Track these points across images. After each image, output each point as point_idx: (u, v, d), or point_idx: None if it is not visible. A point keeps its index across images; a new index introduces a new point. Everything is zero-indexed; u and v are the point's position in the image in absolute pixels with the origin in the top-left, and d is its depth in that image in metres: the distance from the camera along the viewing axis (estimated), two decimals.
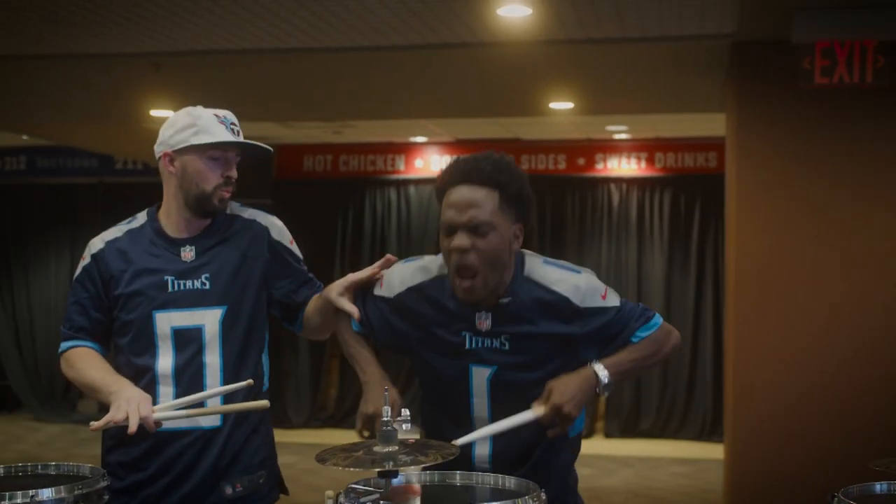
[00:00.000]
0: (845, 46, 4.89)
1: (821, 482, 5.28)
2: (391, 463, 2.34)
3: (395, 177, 11.16)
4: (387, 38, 6.00)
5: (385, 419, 2.40)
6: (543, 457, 2.78)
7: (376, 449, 2.39)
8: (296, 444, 10.20)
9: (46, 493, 2.57)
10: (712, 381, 10.25)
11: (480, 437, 2.65)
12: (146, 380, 2.91)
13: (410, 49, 6.37)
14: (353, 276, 2.90)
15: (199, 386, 2.91)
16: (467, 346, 2.71)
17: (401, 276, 2.82)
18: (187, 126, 2.92)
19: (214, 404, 2.90)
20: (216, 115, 2.95)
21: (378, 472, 2.38)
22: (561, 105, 7.41)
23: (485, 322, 2.69)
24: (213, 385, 2.92)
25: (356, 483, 2.54)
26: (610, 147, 10.68)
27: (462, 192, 2.60)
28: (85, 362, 2.98)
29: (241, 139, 2.98)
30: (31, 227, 11.76)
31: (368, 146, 11.09)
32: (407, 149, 11.11)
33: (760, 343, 5.49)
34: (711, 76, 6.37)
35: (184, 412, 2.81)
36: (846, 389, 5.39)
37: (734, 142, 5.63)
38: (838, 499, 2.45)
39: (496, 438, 2.72)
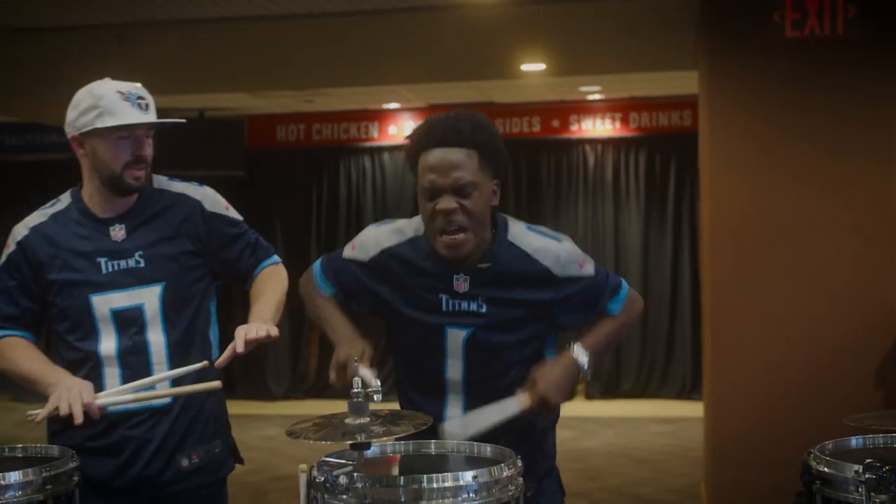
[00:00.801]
0: None
1: (799, 439, 5.28)
2: (363, 435, 2.32)
3: (369, 144, 11.08)
4: (355, 4, 5.93)
5: (356, 390, 2.37)
6: (518, 424, 2.76)
7: (348, 421, 2.36)
8: (277, 415, 10.19)
9: (14, 477, 2.54)
10: (691, 340, 10.27)
11: (469, 431, 2.62)
12: (90, 364, 2.86)
13: (380, 13, 6.31)
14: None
15: (146, 366, 2.87)
16: (444, 307, 2.70)
17: (375, 238, 2.80)
18: (90, 108, 2.82)
19: (163, 386, 2.85)
20: (120, 93, 2.82)
21: (350, 444, 2.35)
22: (533, 66, 7.34)
23: (463, 284, 2.68)
24: (160, 364, 2.87)
25: (330, 455, 2.51)
26: (584, 108, 10.62)
27: (442, 154, 2.59)
28: (17, 353, 2.91)
29: (147, 116, 2.86)
30: (0, 205, 11.65)
31: (341, 114, 11.00)
32: (380, 116, 11.03)
33: (737, 301, 5.48)
34: (683, 33, 6.33)
35: (130, 396, 2.77)
36: (823, 346, 5.39)
37: (706, 99, 5.59)
38: (814, 455, 2.43)
39: (469, 401, 2.70)
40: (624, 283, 2.83)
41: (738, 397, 5.51)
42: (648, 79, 8.82)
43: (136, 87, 2.89)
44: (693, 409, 9.56)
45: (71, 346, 2.90)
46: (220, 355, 2.99)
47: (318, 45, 7.34)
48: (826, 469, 2.35)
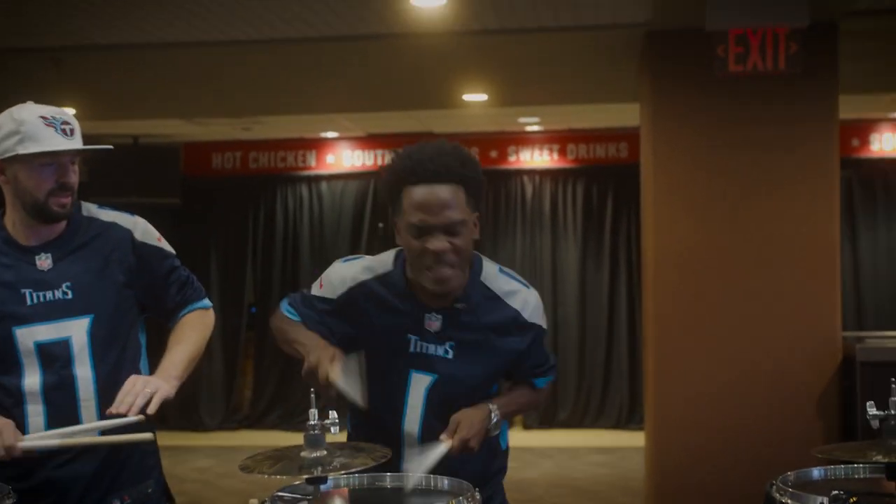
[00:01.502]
0: (758, 34, 4.93)
1: (741, 469, 5.33)
2: (320, 469, 2.25)
3: (306, 173, 11.00)
4: (297, 30, 5.88)
5: (312, 423, 2.30)
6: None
7: (304, 454, 2.29)
8: (210, 446, 10.01)
9: None
10: (628, 369, 10.32)
11: (413, 477, 2.55)
12: (12, 401, 2.71)
13: (321, 41, 6.25)
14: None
15: (72, 402, 2.73)
16: (411, 349, 2.64)
17: (343, 274, 2.72)
18: (11, 133, 2.69)
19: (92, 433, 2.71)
20: (43, 118, 2.70)
21: (306, 478, 2.28)
22: (475, 97, 7.35)
23: (435, 324, 2.64)
24: (87, 400, 2.73)
25: (283, 489, 2.44)
26: (522, 139, 10.66)
27: (431, 192, 2.51)
28: None
29: (72, 142, 2.73)
30: None
31: (278, 142, 10.91)
32: (318, 144, 10.96)
33: (679, 332, 5.50)
34: (625, 66, 6.37)
35: (56, 442, 2.63)
36: (765, 377, 5.44)
37: (650, 131, 5.63)
38: (776, 486, 2.42)
39: (425, 425, 2.67)
40: (555, 367, 2.89)
41: (680, 428, 5.53)
42: (587, 111, 8.89)
43: (61, 112, 2.77)
44: (631, 439, 9.58)
45: None
46: None
47: (256, 72, 7.26)
48: (790, 501, 2.34)
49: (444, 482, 2.58)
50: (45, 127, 2.69)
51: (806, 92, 5.31)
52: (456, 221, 2.51)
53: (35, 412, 2.72)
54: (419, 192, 2.52)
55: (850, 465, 2.51)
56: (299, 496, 2.28)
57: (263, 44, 6.49)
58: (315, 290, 2.77)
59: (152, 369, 2.92)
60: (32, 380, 2.72)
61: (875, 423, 2.36)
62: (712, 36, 4.95)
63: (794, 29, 4.91)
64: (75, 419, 2.73)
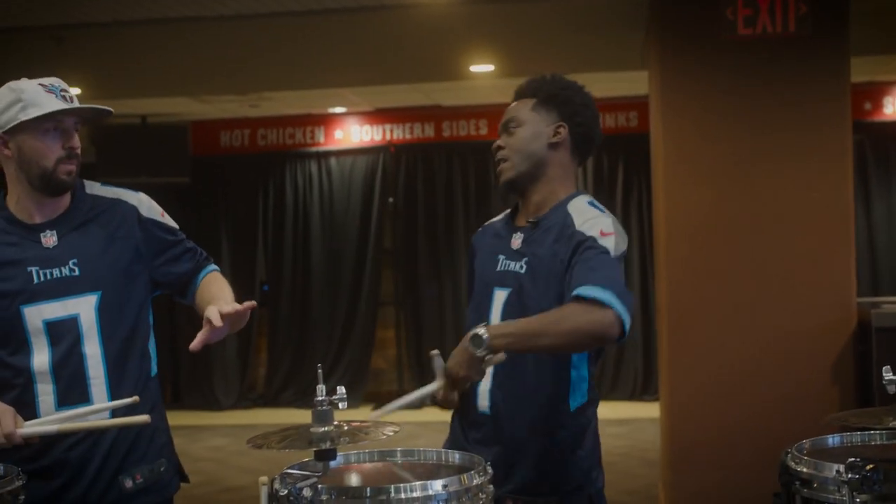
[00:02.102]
0: None
1: (757, 438, 5.29)
2: (328, 443, 2.22)
3: (315, 149, 10.95)
4: (300, 3, 5.83)
5: (320, 398, 2.27)
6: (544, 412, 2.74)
7: (312, 430, 2.26)
8: (225, 426, 10.03)
9: None
10: (642, 341, 10.28)
11: (392, 409, 2.63)
12: (22, 380, 2.70)
13: (324, 14, 6.21)
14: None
15: (82, 380, 2.71)
16: (498, 267, 2.81)
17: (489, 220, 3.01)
18: (13, 103, 2.69)
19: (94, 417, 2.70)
20: (42, 85, 2.70)
21: (315, 452, 2.26)
22: (482, 68, 7.28)
23: (517, 241, 2.80)
24: (97, 378, 2.72)
25: (292, 467, 2.41)
26: None
27: (510, 105, 2.89)
28: None
29: (74, 105, 2.72)
30: None
31: (287, 119, 10.86)
32: (326, 120, 10.91)
33: (693, 301, 5.45)
34: (633, 32, 6.31)
35: (55, 428, 2.60)
36: (780, 345, 5.38)
37: (658, 98, 5.56)
38: (792, 454, 2.38)
39: (495, 381, 2.74)
40: (620, 301, 2.50)
41: (695, 398, 5.48)
42: (595, 79, 8.76)
43: (59, 81, 2.76)
44: (645, 410, 9.55)
45: (2, 361, 2.73)
46: (157, 370, 2.91)
47: (260, 47, 7.22)
48: (805, 469, 2.30)
49: (456, 456, 2.56)
50: (45, 93, 2.69)
51: (817, 54, 5.22)
52: (509, 119, 2.84)
53: (45, 391, 2.71)
54: None
55: (866, 432, 2.47)
56: (308, 472, 2.24)
57: (267, 18, 6.45)
58: None
59: (160, 349, 2.92)
60: (41, 359, 2.71)
61: (892, 388, 2.31)
62: None
63: None
64: (85, 397, 2.72)
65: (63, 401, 2.71)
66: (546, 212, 2.78)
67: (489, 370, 2.68)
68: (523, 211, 2.85)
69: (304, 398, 10.83)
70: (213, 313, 2.64)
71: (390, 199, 10.73)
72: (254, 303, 2.72)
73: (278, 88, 8.82)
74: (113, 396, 2.73)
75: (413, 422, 8.30)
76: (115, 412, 2.70)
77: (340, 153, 10.91)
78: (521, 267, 2.75)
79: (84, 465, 2.74)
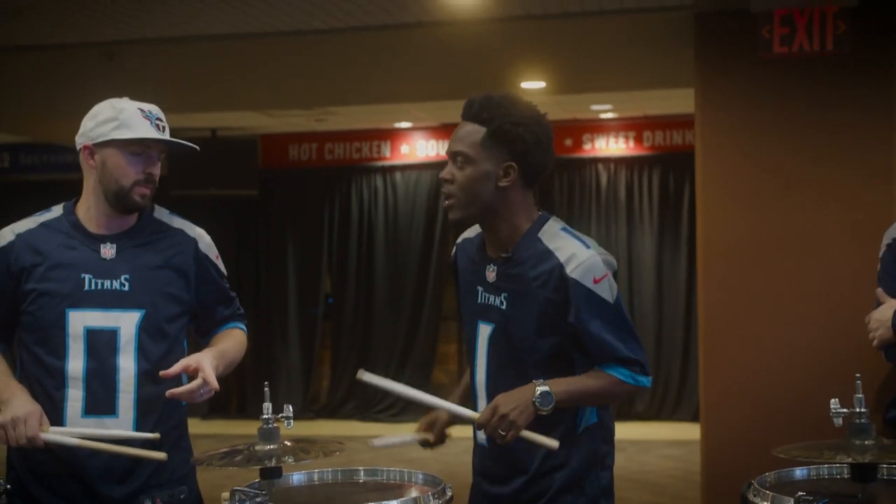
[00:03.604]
0: (804, 13, 4.74)
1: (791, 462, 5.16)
2: (273, 461, 2.23)
3: (381, 163, 11.03)
4: (357, 19, 5.89)
5: (266, 416, 2.28)
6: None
7: (258, 447, 2.28)
8: (289, 436, 10.11)
9: None
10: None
11: (400, 390, 2.67)
12: (54, 381, 2.79)
13: (384, 30, 6.26)
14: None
15: (112, 391, 2.78)
16: (478, 300, 2.75)
17: (461, 236, 2.95)
18: (109, 119, 2.81)
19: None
20: (140, 110, 2.83)
21: (260, 470, 2.27)
22: (532, 84, 7.26)
23: (491, 273, 2.73)
24: (126, 392, 2.79)
25: (251, 485, 2.43)
26: (597, 127, 10.51)
27: (458, 128, 2.72)
28: None
29: (164, 135, 2.85)
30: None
31: (353, 133, 10.97)
32: (392, 135, 10.98)
33: (729, 320, 5.35)
34: (682, 50, 6.21)
35: (76, 441, 2.68)
36: (818, 367, 5.24)
37: (700, 116, 5.48)
38: (753, 487, 2.32)
39: (489, 377, 2.72)
40: (644, 379, 2.67)
41: (732, 418, 5.38)
42: (662, 97, 8.70)
43: (156, 109, 2.90)
44: None
45: (38, 359, 2.82)
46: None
47: (323, 63, 7.29)
48: (761, 502, 2.24)
49: (419, 476, 2.56)
50: (141, 118, 2.82)
51: (856, 73, 5.09)
52: (458, 151, 2.67)
53: (75, 397, 2.78)
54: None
55: (835, 465, 2.39)
56: (256, 491, 2.26)
57: (326, 34, 6.51)
58: None
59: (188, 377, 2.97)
60: (76, 364, 2.79)
61: (838, 422, 2.24)
62: (758, 17, 4.77)
63: (843, 8, 4.70)
64: (112, 409, 2.79)
65: (90, 409, 2.78)
66: (516, 244, 2.69)
67: (484, 404, 2.68)
68: (490, 241, 2.75)
69: (365, 411, 10.90)
70: (210, 378, 2.73)
71: None
72: (213, 388, 2.75)
73: (342, 103, 8.90)
74: (139, 414, 2.79)
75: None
76: (138, 440, 2.75)
77: (405, 168, 10.97)
78: (501, 303, 2.69)
79: (103, 476, 2.78)
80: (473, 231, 2.87)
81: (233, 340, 3.00)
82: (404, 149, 10.99)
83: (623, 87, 7.37)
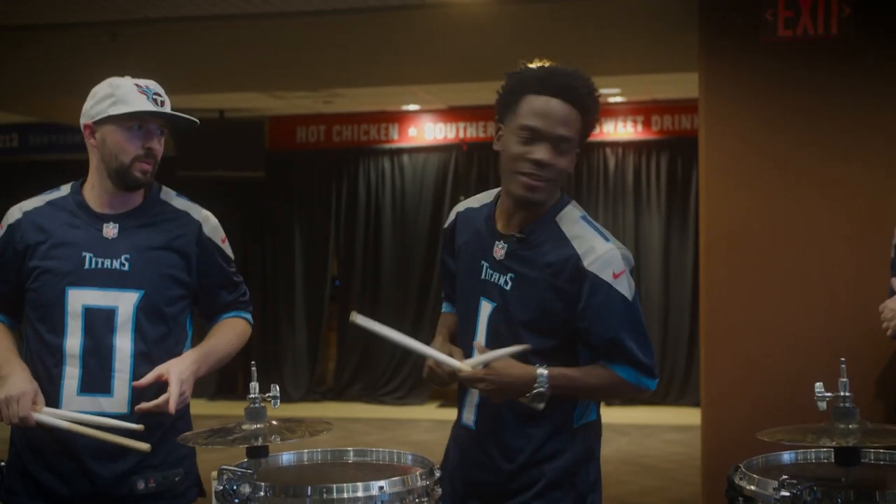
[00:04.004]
0: None
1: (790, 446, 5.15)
2: (259, 440, 2.24)
3: (388, 146, 11.03)
4: (364, 2, 5.88)
5: (252, 396, 2.29)
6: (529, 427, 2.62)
7: (244, 427, 2.29)
8: (296, 417, 10.13)
9: None
10: None
11: (386, 332, 2.55)
12: (53, 359, 2.82)
13: (392, 10, 6.26)
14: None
15: (107, 371, 2.80)
16: (482, 275, 2.66)
17: (461, 204, 2.85)
18: (106, 96, 2.82)
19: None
20: (137, 85, 2.84)
21: (247, 449, 2.28)
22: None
23: (500, 251, 2.64)
24: (122, 371, 2.81)
25: (240, 464, 2.43)
26: (605, 111, 10.45)
27: (553, 104, 2.55)
28: None
29: (163, 109, 2.85)
30: None
31: (361, 115, 10.96)
32: (400, 117, 10.97)
33: (730, 307, 5.34)
34: (686, 33, 6.18)
35: (65, 424, 2.71)
36: (820, 355, 5.22)
37: (703, 101, 5.45)
38: (740, 470, 2.32)
39: (484, 396, 2.59)
40: (652, 382, 2.63)
41: (732, 405, 5.37)
42: (671, 81, 8.66)
43: (154, 84, 2.90)
44: None
45: (39, 336, 2.85)
46: None
47: (330, 44, 7.29)
48: (747, 485, 2.24)
49: (408, 458, 2.56)
50: (137, 93, 2.82)
51: (861, 57, 5.03)
52: (565, 137, 2.53)
53: (71, 374, 2.81)
54: (541, 101, 2.56)
55: (821, 450, 2.39)
56: (244, 469, 2.27)
57: (333, 14, 6.52)
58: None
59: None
60: (74, 342, 2.81)
61: (822, 405, 2.24)
62: (761, 0, 4.74)
63: None
64: (107, 388, 2.81)
65: (85, 387, 2.81)
66: (532, 223, 2.61)
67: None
68: (506, 216, 2.65)
69: (372, 393, 10.93)
70: (172, 396, 2.74)
71: (462, 198, 10.74)
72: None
73: (350, 85, 8.88)
74: (134, 394, 2.80)
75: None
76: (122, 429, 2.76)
77: (413, 150, 10.97)
78: (507, 283, 2.60)
79: (96, 455, 2.80)
80: (478, 201, 2.78)
81: (229, 333, 3.00)
82: (412, 131, 10.98)
83: (628, 71, 7.34)
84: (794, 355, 5.23)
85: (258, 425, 2.27)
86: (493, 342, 2.61)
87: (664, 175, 10.41)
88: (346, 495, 2.29)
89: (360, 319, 2.49)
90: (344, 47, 7.34)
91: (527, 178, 2.54)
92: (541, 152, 2.53)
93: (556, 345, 2.59)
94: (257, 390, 2.29)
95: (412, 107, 10.70)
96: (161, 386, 2.79)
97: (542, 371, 2.50)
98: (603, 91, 8.76)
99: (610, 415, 9.81)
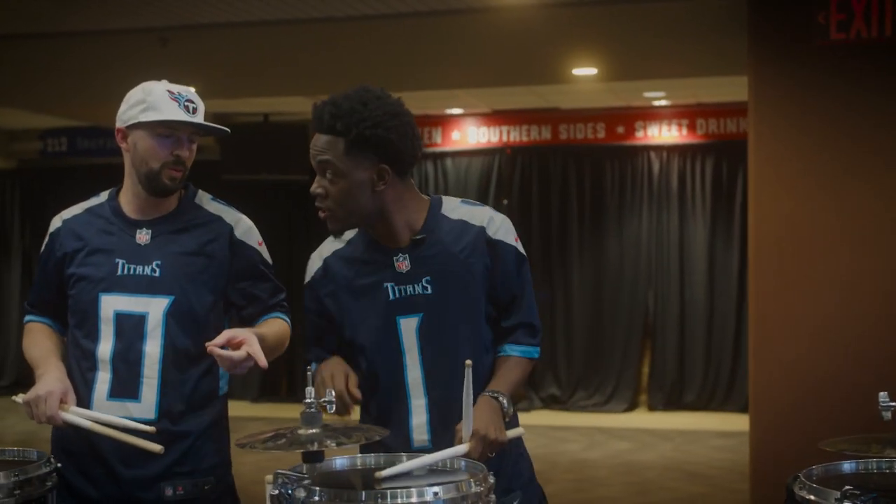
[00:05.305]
0: None
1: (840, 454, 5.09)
2: (315, 445, 2.24)
3: (432, 150, 11.02)
4: (408, 5, 5.89)
5: (308, 400, 2.29)
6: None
7: (300, 431, 2.29)
8: (328, 418, 10.16)
9: None
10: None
11: (407, 469, 2.41)
12: (88, 363, 2.84)
13: (435, 15, 6.27)
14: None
15: (136, 376, 2.81)
16: (391, 296, 2.63)
17: (317, 253, 2.77)
18: (138, 102, 2.82)
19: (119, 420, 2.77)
20: (169, 92, 2.82)
21: (303, 454, 2.28)
22: (584, 71, 7.21)
23: (403, 263, 2.63)
24: (151, 378, 2.81)
25: (294, 468, 2.44)
26: (649, 114, 10.42)
27: (315, 138, 2.59)
28: (29, 338, 2.97)
29: (194, 118, 2.83)
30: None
31: None
32: (444, 121, 10.97)
33: (780, 312, 5.29)
34: (735, 37, 6.13)
35: (87, 423, 2.72)
36: (870, 361, 5.16)
37: (753, 104, 5.40)
38: (799, 480, 2.28)
39: (431, 404, 2.62)
40: (535, 341, 2.75)
41: (781, 413, 5.32)
42: (715, 84, 8.61)
43: (188, 91, 2.88)
44: None
45: (76, 341, 2.88)
46: (226, 389, 2.97)
47: (373, 48, 7.32)
48: (807, 495, 2.20)
49: (461, 464, 2.55)
50: (169, 100, 2.80)
51: None
52: (323, 162, 2.55)
53: (102, 379, 2.82)
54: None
55: (884, 459, 2.35)
56: (300, 474, 2.26)
57: (376, 19, 6.55)
58: (306, 280, 2.78)
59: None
60: (105, 347, 2.83)
61: (887, 415, 2.20)
62: (813, 3, 4.69)
63: None
64: (135, 394, 2.82)
65: (115, 392, 2.82)
66: (421, 227, 2.63)
67: (421, 402, 2.64)
68: (383, 236, 2.65)
69: None
70: (258, 355, 2.69)
71: (504, 202, 10.72)
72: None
73: (393, 89, 8.87)
74: (162, 401, 2.81)
75: None
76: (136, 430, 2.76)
77: (457, 154, 10.96)
78: (425, 288, 2.62)
79: (123, 459, 2.80)
80: (335, 244, 2.73)
81: (274, 328, 2.95)
82: (455, 135, 10.97)
83: (676, 75, 7.30)
84: (847, 363, 5.18)
85: (314, 430, 2.27)
86: (427, 354, 2.63)
87: (709, 179, 10.33)
88: (400, 500, 2.27)
89: (386, 473, 2.36)
90: (388, 51, 7.36)
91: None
92: (314, 186, 2.59)
93: (489, 323, 2.68)
94: (313, 395, 2.29)
95: (456, 110, 10.69)
96: (192, 394, 2.82)
97: (502, 399, 2.60)
98: (647, 94, 8.79)
99: (653, 420, 9.93)
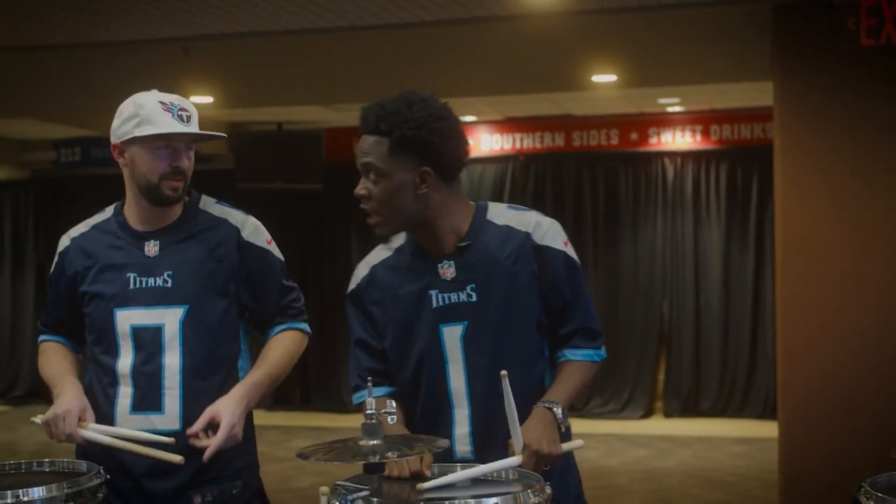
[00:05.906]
0: (893, 4, 4.64)
1: (872, 460, 5.06)
2: (376, 456, 2.23)
3: None
4: (429, 13, 5.90)
5: (369, 412, 2.28)
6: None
7: (361, 443, 2.27)
8: (350, 427, 10.17)
9: (36, 493, 2.50)
10: (773, 358, 9.95)
11: (455, 480, 2.38)
12: (108, 379, 2.83)
13: (450, 24, 6.26)
14: None
15: (157, 388, 2.80)
16: (434, 304, 2.61)
17: (364, 261, 2.77)
18: (131, 116, 2.79)
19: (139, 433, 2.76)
20: (161, 103, 2.79)
21: (364, 465, 2.27)
22: (604, 78, 7.20)
23: (448, 270, 2.62)
24: (172, 389, 2.80)
25: (350, 479, 2.42)
26: (663, 121, 10.41)
27: (361, 140, 2.62)
28: (45, 358, 2.96)
29: (188, 127, 2.81)
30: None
31: None
32: None
33: (807, 318, 5.27)
34: (759, 43, 6.13)
35: (107, 440, 2.71)
36: None
37: (779, 110, 5.39)
38: (864, 489, 2.27)
39: (475, 415, 2.60)
40: (599, 344, 2.71)
41: (809, 415, 5.31)
42: (730, 90, 8.60)
43: (180, 100, 2.85)
44: (774, 430, 9.25)
45: (95, 358, 2.88)
46: None
47: (388, 57, 7.31)
48: None
49: (515, 475, 2.53)
50: (162, 112, 2.78)
51: None
52: (367, 164, 2.57)
53: (124, 394, 2.82)
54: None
55: None
56: (359, 485, 2.25)
57: (394, 28, 6.54)
58: (350, 286, 2.78)
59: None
60: (125, 362, 2.82)
61: None
62: (842, 8, 4.68)
63: None
64: (158, 406, 2.81)
65: (137, 406, 2.81)
66: (466, 233, 2.62)
67: (465, 413, 2.62)
68: (429, 242, 2.64)
69: None
70: (219, 436, 2.71)
71: None
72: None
73: None
74: (185, 410, 2.79)
75: None
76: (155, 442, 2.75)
77: (470, 161, 10.90)
78: (469, 296, 2.60)
79: (148, 472, 2.80)
80: (383, 252, 2.74)
81: (280, 354, 2.92)
82: (469, 142, 10.94)
83: (696, 81, 7.29)
84: (878, 370, 5.16)
85: (375, 441, 2.26)
86: (472, 362, 2.61)
87: (723, 185, 10.32)
88: None
89: (429, 485, 2.31)
90: (402, 60, 7.35)
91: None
92: (358, 188, 2.61)
93: (537, 328, 2.65)
94: (374, 406, 2.28)
95: (469, 118, 10.69)
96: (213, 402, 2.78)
97: (556, 410, 2.56)
98: (662, 101, 8.76)
99: (670, 427, 9.91)
